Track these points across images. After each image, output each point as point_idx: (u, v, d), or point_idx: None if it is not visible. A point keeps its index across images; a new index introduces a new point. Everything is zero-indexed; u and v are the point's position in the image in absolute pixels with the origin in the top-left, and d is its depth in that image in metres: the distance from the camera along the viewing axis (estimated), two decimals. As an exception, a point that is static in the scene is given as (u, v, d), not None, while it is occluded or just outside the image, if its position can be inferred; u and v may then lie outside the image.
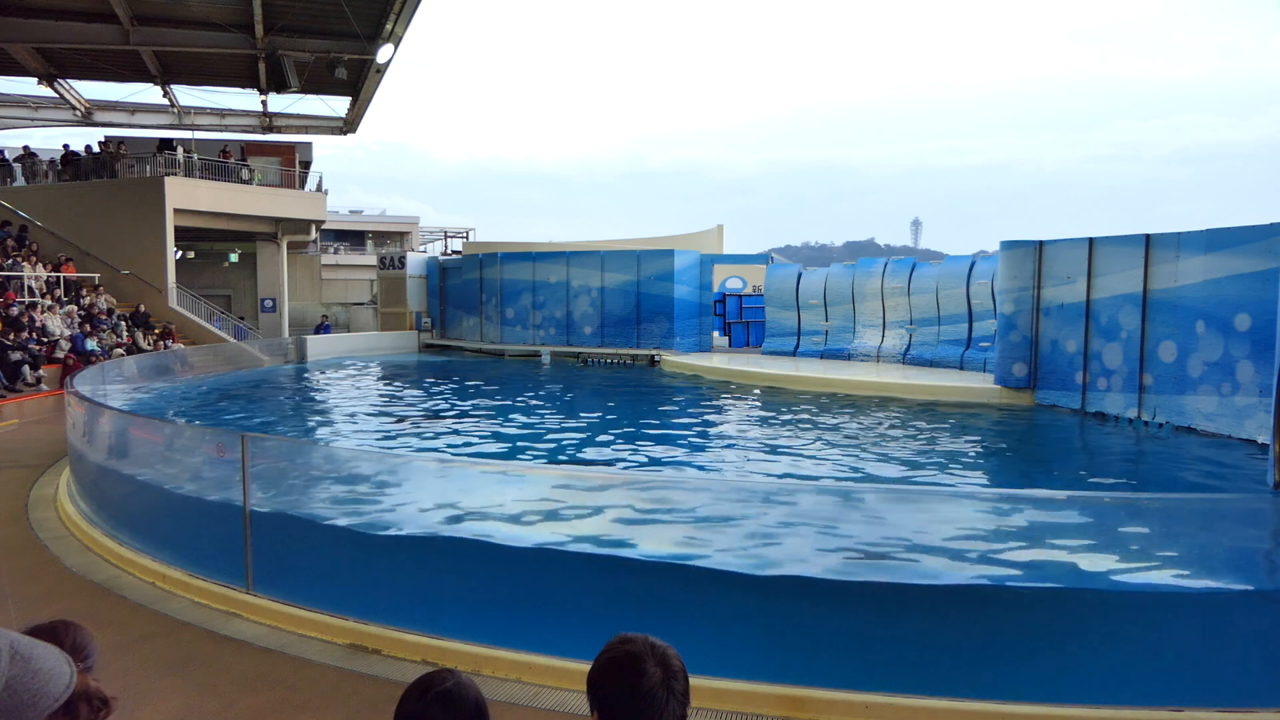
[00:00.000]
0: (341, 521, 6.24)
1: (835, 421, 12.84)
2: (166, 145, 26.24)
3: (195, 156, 26.50)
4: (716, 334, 23.52)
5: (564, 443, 11.28)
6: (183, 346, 21.57)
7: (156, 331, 22.14)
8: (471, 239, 38.97)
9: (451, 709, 1.68)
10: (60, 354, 17.82)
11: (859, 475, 9.29)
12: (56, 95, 23.01)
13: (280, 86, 20.32)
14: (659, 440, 11.54)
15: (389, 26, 17.50)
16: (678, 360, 20.08)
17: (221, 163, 27.28)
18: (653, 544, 5.45)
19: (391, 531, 5.99)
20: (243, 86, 23.06)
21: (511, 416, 13.38)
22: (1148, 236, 11.94)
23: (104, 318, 20.76)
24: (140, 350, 20.33)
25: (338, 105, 24.28)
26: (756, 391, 16.34)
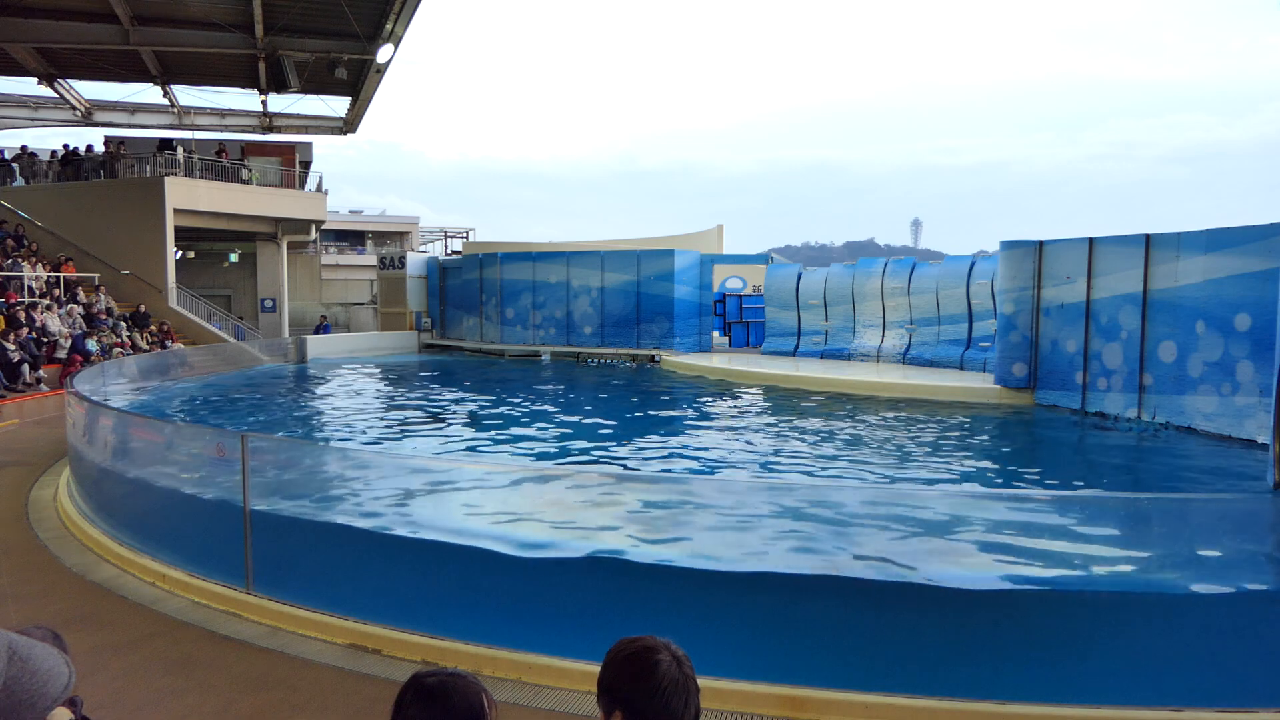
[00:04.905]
0: (341, 521, 6.24)
1: (835, 421, 12.84)
2: (166, 145, 26.24)
3: (195, 156, 26.49)
4: (716, 334, 23.51)
5: (564, 442, 11.27)
6: (181, 346, 21.55)
7: (152, 329, 22.11)
8: (471, 239, 38.95)
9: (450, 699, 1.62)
10: (60, 354, 17.82)
11: (858, 475, 9.29)
12: (56, 95, 23.01)
13: (280, 86, 20.33)
14: (658, 440, 11.54)
15: (389, 26, 17.51)
16: (678, 360, 20.07)
17: (221, 162, 27.26)
18: (652, 543, 5.45)
19: (391, 531, 5.99)
20: (243, 86, 23.06)
21: (511, 416, 13.37)
22: (1148, 236, 11.93)
23: (104, 318, 20.75)
24: (139, 350, 20.31)
25: (338, 105, 24.29)
26: (756, 391, 16.34)
